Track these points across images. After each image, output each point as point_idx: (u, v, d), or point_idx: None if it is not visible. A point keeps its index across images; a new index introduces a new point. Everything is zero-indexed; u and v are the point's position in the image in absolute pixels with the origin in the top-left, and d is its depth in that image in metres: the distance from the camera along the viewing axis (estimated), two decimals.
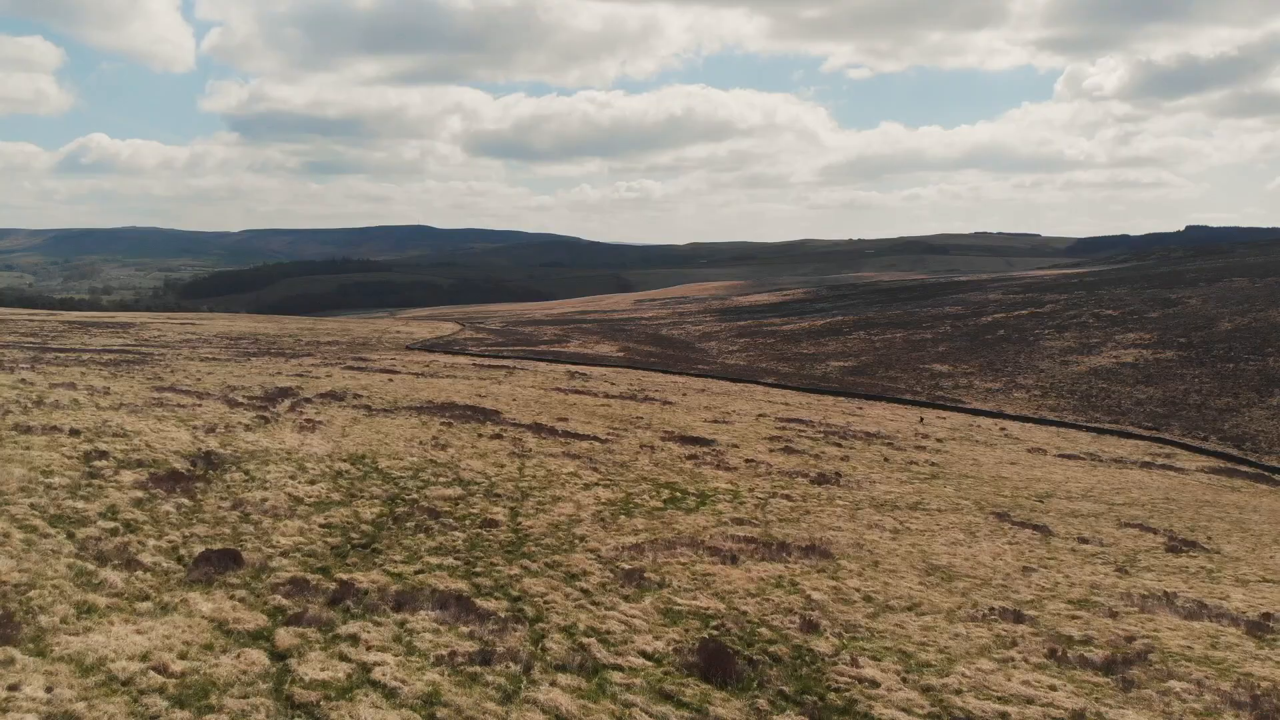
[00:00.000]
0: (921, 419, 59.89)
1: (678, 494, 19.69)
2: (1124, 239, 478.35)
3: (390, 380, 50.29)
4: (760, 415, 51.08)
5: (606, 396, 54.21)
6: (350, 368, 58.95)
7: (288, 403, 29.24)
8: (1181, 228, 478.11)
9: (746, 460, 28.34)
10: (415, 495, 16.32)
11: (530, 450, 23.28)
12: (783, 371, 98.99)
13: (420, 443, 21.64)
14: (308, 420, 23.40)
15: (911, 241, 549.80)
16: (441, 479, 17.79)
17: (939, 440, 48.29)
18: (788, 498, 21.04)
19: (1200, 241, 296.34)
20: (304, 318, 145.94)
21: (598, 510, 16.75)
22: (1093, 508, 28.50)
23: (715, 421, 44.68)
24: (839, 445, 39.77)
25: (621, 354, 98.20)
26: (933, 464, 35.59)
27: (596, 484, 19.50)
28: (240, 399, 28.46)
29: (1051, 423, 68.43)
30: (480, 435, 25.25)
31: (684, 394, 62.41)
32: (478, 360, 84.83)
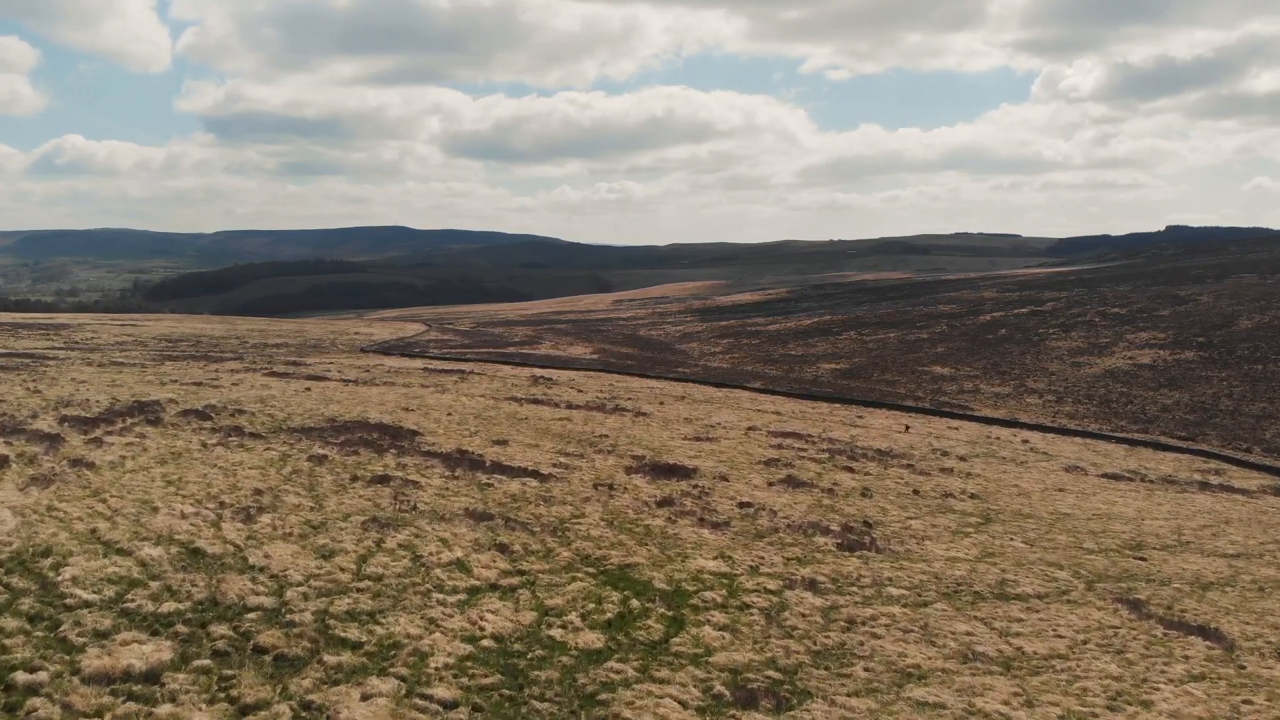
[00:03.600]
0: (907, 427, 52.08)
1: (634, 598, 11.48)
2: (1105, 239, 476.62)
3: (307, 390, 41.98)
4: (750, 429, 43.17)
5: (568, 407, 46.00)
6: (274, 374, 50.61)
7: (115, 425, 21.09)
8: (1162, 228, 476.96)
9: (741, 505, 20.53)
10: (31, 677, 8.06)
11: (414, 509, 15.08)
12: (770, 375, 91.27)
13: (222, 505, 13.42)
14: (78, 459, 15.40)
15: (892, 242, 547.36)
16: (164, 607, 9.04)
17: (962, 459, 40.66)
18: (813, 587, 13.22)
19: (1182, 241, 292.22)
20: (261, 319, 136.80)
21: (447, 701, 8.50)
22: (1214, 569, 20.78)
23: (697, 439, 36.76)
24: (851, 470, 31.94)
25: (595, 356, 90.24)
26: (973, 496, 27.87)
27: (492, 586, 11.19)
28: (45, 424, 20.30)
29: (1075, 433, 61.04)
30: (355, 479, 17.22)
31: (661, 403, 54.17)
32: (432, 364, 76.88)
